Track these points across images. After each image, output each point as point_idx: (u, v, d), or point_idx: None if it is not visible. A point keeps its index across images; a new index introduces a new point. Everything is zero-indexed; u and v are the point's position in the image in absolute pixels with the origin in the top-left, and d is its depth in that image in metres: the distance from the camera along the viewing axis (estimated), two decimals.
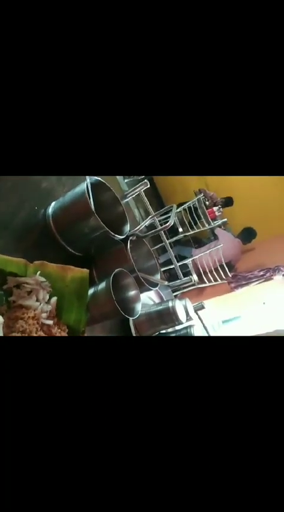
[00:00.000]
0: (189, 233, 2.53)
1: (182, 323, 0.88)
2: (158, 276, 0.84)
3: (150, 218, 0.83)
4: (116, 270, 0.63)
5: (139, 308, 0.68)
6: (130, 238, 0.76)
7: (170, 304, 0.87)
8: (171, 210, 0.82)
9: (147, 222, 0.80)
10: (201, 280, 2.34)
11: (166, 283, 0.80)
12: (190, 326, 0.94)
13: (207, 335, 1.36)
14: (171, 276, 2.51)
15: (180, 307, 0.88)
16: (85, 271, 0.59)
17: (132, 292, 0.70)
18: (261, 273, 2.36)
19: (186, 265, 2.29)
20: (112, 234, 0.65)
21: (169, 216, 0.82)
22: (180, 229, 2.59)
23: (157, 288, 0.84)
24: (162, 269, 2.10)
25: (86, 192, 0.63)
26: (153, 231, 0.77)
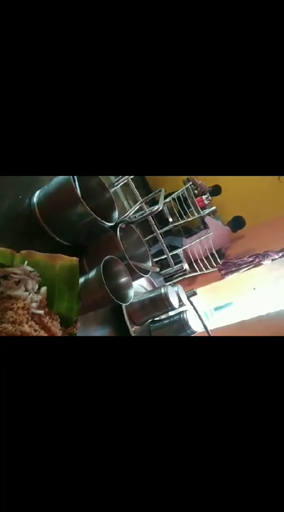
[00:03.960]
0: (179, 223, 2.53)
1: (175, 308, 0.88)
2: (149, 263, 0.84)
3: (139, 204, 0.82)
4: (107, 257, 0.62)
5: (131, 294, 0.67)
6: (120, 225, 0.75)
7: (162, 290, 0.87)
8: (160, 195, 0.81)
9: (136, 207, 0.79)
10: (193, 269, 2.36)
11: (157, 269, 0.80)
12: (183, 312, 0.95)
13: (200, 322, 1.38)
14: (162, 266, 2.52)
15: (172, 292, 0.88)
16: (75, 259, 0.58)
17: (124, 279, 0.69)
18: (250, 259, 2.39)
19: (177, 255, 2.30)
20: (101, 221, 0.64)
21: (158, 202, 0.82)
22: (170, 219, 2.58)
23: (148, 275, 0.84)
24: (154, 260, 2.10)
25: (72, 178, 0.61)
26: (143, 215, 0.76)
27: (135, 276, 0.75)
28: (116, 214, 0.73)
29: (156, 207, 0.77)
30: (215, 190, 3.02)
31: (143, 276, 0.77)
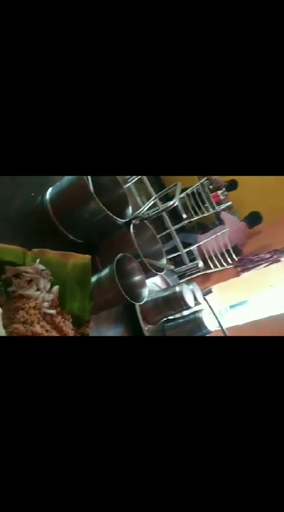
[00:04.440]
0: (194, 219, 2.48)
1: (190, 308, 0.85)
2: (164, 261, 0.81)
3: (153, 199, 0.79)
4: (119, 255, 0.61)
5: (145, 293, 0.65)
6: (133, 222, 0.72)
7: (177, 289, 0.84)
8: (175, 189, 0.78)
9: (151, 203, 0.76)
10: (207, 266, 2.30)
11: (172, 267, 0.77)
12: (198, 311, 0.92)
13: (216, 321, 1.34)
14: (176, 263, 2.48)
15: (187, 291, 0.86)
16: (87, 257, 0.56)
17: (137, 277, 0.67)
18: (268, 255, 2.30)
19: (191, 252, 2.25)
20: (114, 217, 0.62)
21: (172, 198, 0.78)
22: (184, 216, 2.53)
23: (163, 273, 0.81)
24: (167, 257, 2.06)
25: None
26: (158, 211, 0.74)
27: (148, 274, 0.72)
28: (130, 211, 0.71)
29: (171, 202, 0.74)
30: (232, 185, 2.93)
31: (157, 274, 0.75)
